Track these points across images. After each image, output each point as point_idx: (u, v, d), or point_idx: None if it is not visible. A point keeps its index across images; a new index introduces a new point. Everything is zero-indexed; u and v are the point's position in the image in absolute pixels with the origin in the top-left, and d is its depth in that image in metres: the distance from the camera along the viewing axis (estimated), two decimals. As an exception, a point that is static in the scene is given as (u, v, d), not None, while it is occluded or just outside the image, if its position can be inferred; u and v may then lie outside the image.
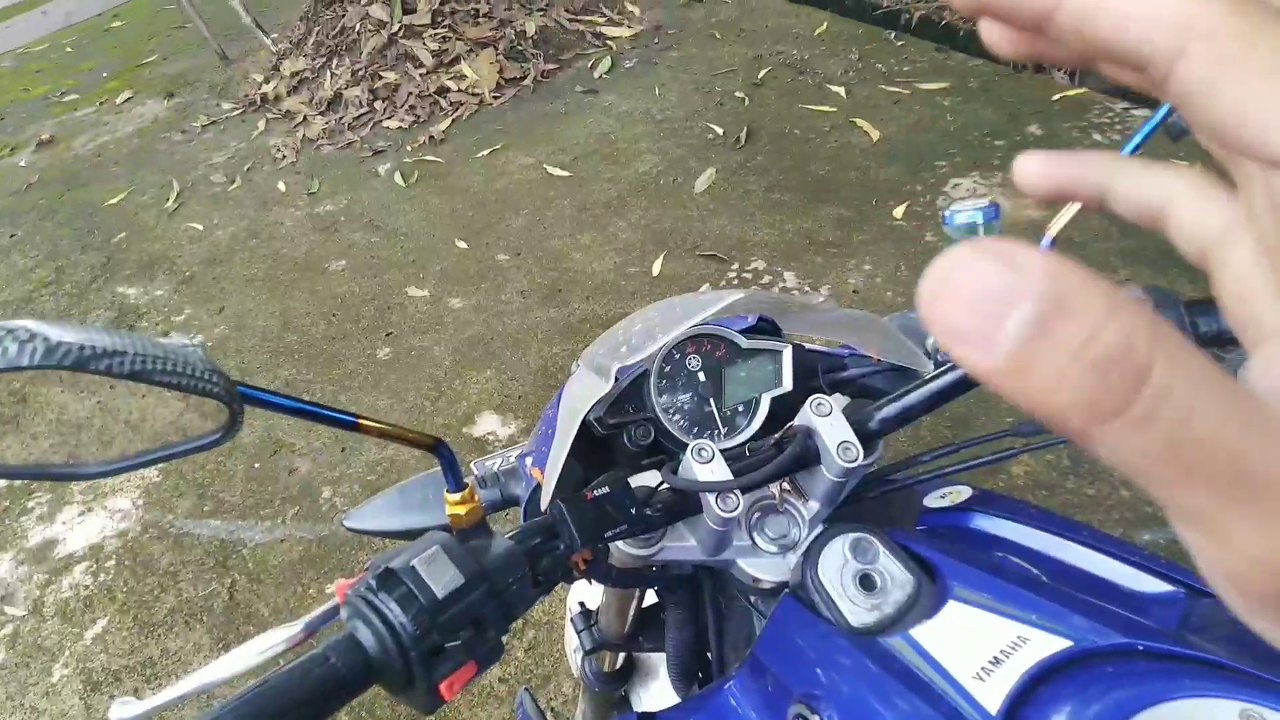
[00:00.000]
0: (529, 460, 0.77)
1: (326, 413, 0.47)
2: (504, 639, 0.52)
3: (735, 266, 2.87)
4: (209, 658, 2.07)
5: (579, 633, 0.97)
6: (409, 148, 4.08)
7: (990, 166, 3.06)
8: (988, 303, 0.15)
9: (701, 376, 0.72)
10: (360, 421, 0.48)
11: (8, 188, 4.63)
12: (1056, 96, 3.35)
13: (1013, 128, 3.23)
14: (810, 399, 0.62)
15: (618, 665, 1.07)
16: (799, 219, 3.02)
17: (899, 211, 2.94)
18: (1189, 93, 0.18)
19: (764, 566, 0.66)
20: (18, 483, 2.72)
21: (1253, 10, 0.17)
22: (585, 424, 0.68)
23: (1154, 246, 2.55)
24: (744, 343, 0.73)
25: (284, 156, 4.24)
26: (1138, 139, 0.66)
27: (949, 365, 0.63)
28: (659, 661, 1.08)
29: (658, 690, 1.06)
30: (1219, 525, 0.16)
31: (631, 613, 0.90)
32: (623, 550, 0.64)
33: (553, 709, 1.83)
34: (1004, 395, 0.15)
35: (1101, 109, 3.23)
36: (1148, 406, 0.15)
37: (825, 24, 4.24)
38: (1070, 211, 0.66)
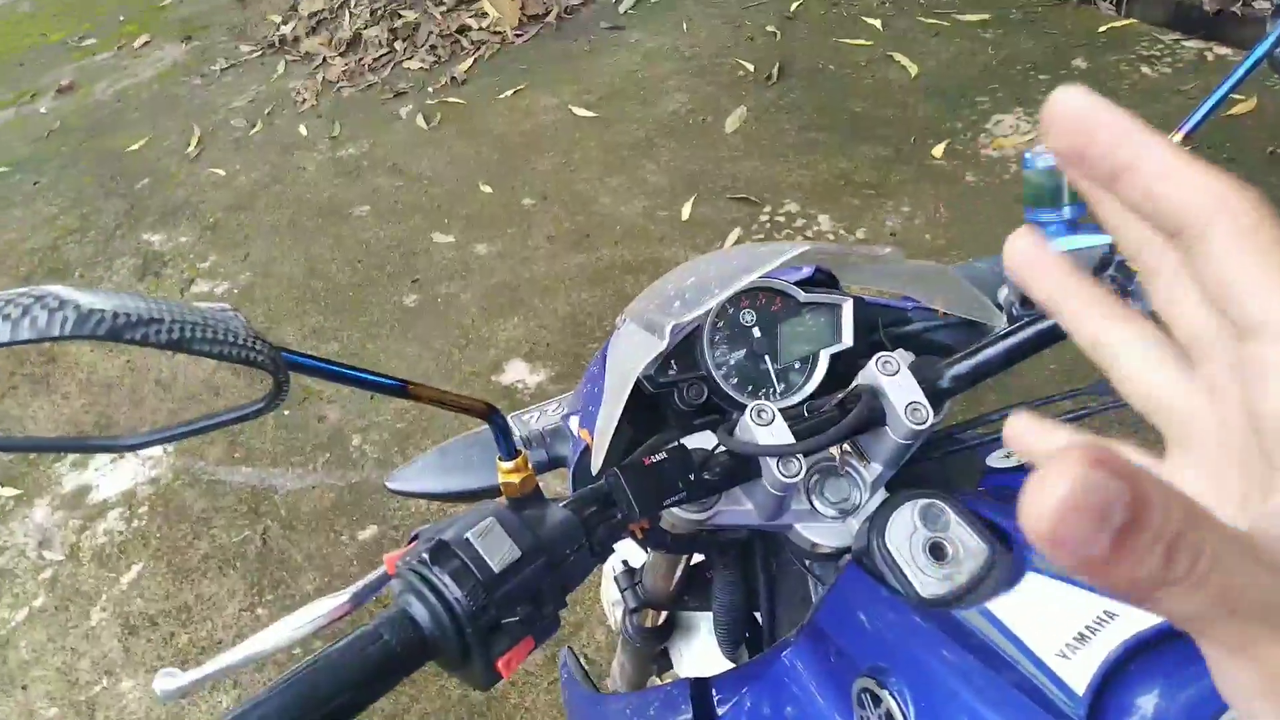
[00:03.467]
0: (575, 420, 0.74)
1: (375, 379, 0.44)
2: (560, 612, 0.50)
3: (767, 210, 2.80)
4: (243, 604, 2.11)
5: (622, 590, 0.95)
6: (431, 89, 4.00)
7: (1034, 102, 2.94)
8: (1090, 510, 0.17)
9: (757, 332, 0.68)
10: (410, 387, 0.45)
11: (30, 135, 4.60)
12: (1103, 28, 3.20)
13: (1057, 61, 3.10)
14: (876, 356, 0.58)
15: (659, 621, 1.05)
16: (834, 159, 2.94)
17: (938, 150, 2.84)
18: (1207, 258, 0.22)
19: (823, 531, 0.63)
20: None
21: (1267, 204, 0.21)
22: (634, 383, 0.65)
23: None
24: (802, 296, 0.69)
25: (304, 100, 4.18)
26: (1242, 70, 0.60)
27: (1025, 319, 0.59)
28: (700, 618, 1.06)
29: (700, 647, 1.05)
30: (1258, 651, 0.19)
31: (679, 572, 0.88)
32: (677, 515, 0.61)
33: (586, 656, 1.84)
34: (1091, 580, 0.18)
35: (1150, 41, 3.09)
36: (1202, 573, 0.18)
37: (859, -46, 4.08)
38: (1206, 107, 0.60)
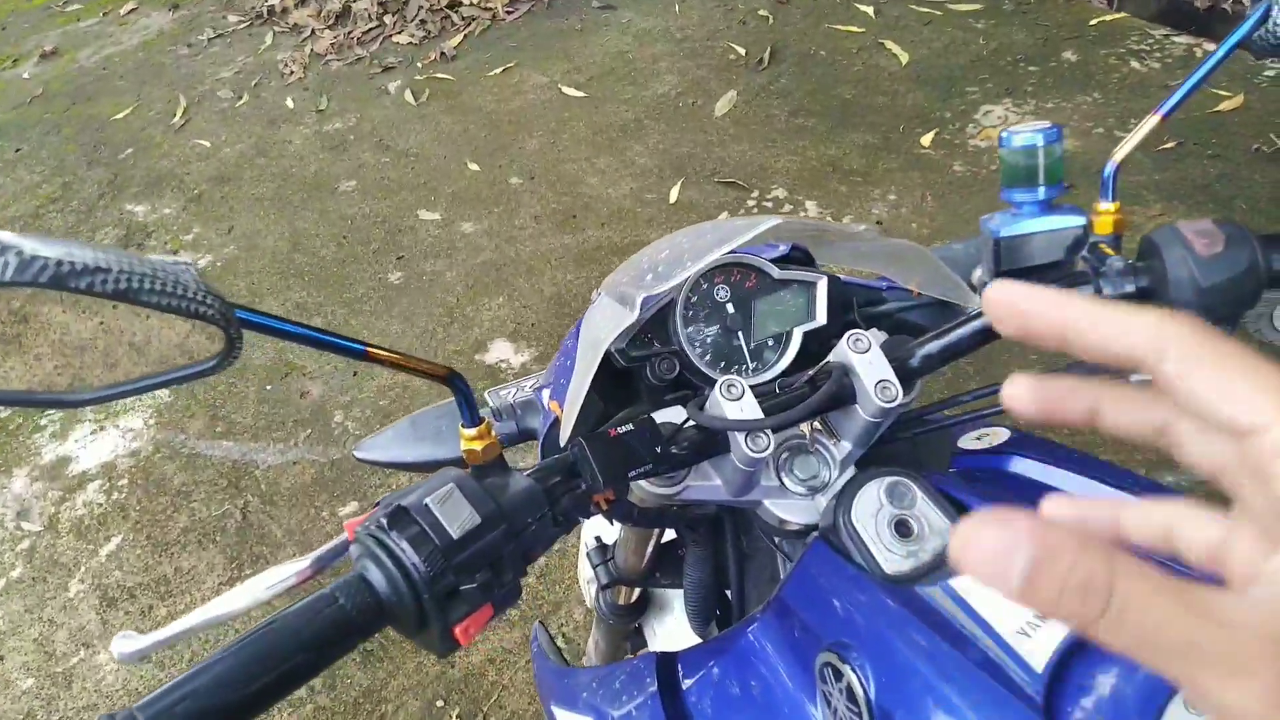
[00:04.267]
0: (546, 393, 0.73)
1: (334, 340, 0.43)
2: (522, 580, 0.49)
3: (755, 195, 2.80)
4: (222, 578, 2.10)
5: (595, 567, 0.95)
6: (420, 64, 3.96)
7: (1023, 93, 2.94)
8: (1002, 554, 0.22)
9: (730, 308, 0.68)
10: (370, 350, 0.44)
11: (11, 100, 4.54)
12: (1094, 21, 3.20)
13: (1048, 53, 3.10)
14: (847, 334, 0.58)
15: (633, 599, 1.06)
16: (823, 145, 2.93)
17: (927, 139, 2.84)
18: (1172, 385, 0.25)
19: (791, 508, 0.63)
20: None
21: (1205, 330, 0.25)
22: (606, 356, 0.64)
23: (1189, 181, 2.47)
24: (776, 273, 0.68)
25: (292, 72, 4.13)
26: (1221, 53, 0.60)
27: None
28: (674, 595, 1.07)
29: (673, 625, 1.05)
30: (1198, 689, 0.22)
31: (650, 549, 0.88)
32: (645, 489, 0.61)
33: (564, 635, 1.85)
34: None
35: (1141, 35, 3.09)
36: (1116, 614, 0.22)
37: (854, -61, 4.06)
38: (1136, 137, 0.61)
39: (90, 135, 4.06)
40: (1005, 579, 0.22)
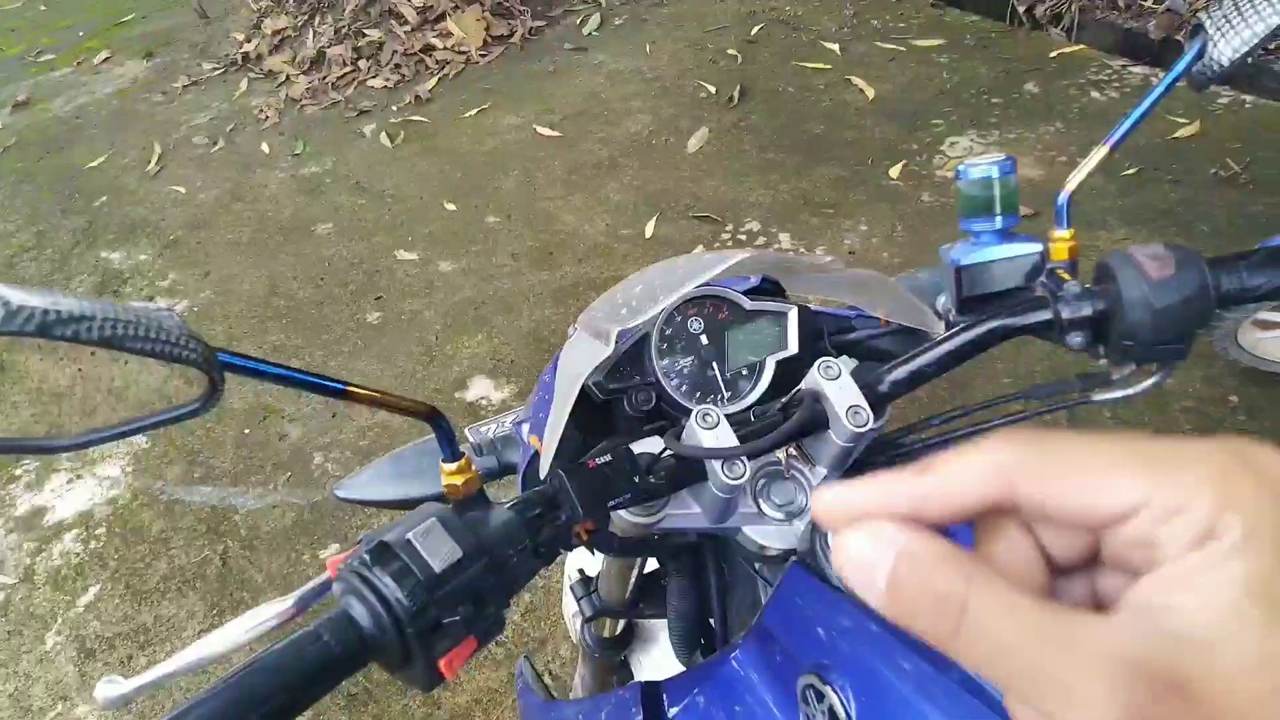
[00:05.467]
0: (526, 427, 0.74)
1: (314, 380, 0.44)
2: (504, 613, 0.50)
3: (729, 228, 2.83)
4: (203, 624, 2.07)
5: (578, 599, 0.95)
6: (395, 108, 4.00)
7: (987, 125, 3.02)
8: (867, 561, 0.23)
9: (704, 339, 0.70)
10: (350, 389, 0.45)
11: (-16, 151, 4.53)
12: (1054, 54, 3.29)
13: (1010, 85, 3.18)
14: (818, 362, 0.59)
15: (618, 631, 1.05)
16: (794, 179, 2.98)
17: (895, 171, 2.90)
18: (1030, 509, 0.24)
19: (770, 534, 0.64)
20: (4, 451, 2.69)
21: (1041, 441, 0.24)
22: (584, 390, 0.66)
23: (1150, 206, 2.53)
24: (748, 304, 0.70)
25: (267, 117, 4.16)
26: (1161, 87, 0.63)
27: (961, 326, 0.61)
28: (659, 627, 1.07)
29: (659, 656, 1.05)
30: (1041, 714, 0.22)
31: (632, 579, 0.88)
32: (624, 518, 0.61)
33: (550, 672, 1.83)
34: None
35: (1099, 66, 3.18)
36: (970, 630, 0.22)
37: (819, -21, 4.16)
38: (1086, 168, 0.63)
39: (64, 184, 4.05)
40: (871, 589, 0.23)
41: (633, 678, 1.14)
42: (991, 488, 0.24)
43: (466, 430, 0.85)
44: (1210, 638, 0.20)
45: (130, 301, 0.37)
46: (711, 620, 0.86)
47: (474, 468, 0.53)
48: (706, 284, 0.65)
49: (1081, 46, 3.30)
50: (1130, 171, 2.64)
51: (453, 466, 0.52)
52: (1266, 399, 1.99)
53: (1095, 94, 3.05)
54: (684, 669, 0.92)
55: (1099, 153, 0.62)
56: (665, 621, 0.95)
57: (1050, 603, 0.22)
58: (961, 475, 0.25)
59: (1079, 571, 0.27)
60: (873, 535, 0.23)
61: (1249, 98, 2.85)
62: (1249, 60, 0.59)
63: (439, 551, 0.46)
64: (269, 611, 0.54)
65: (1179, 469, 0.22)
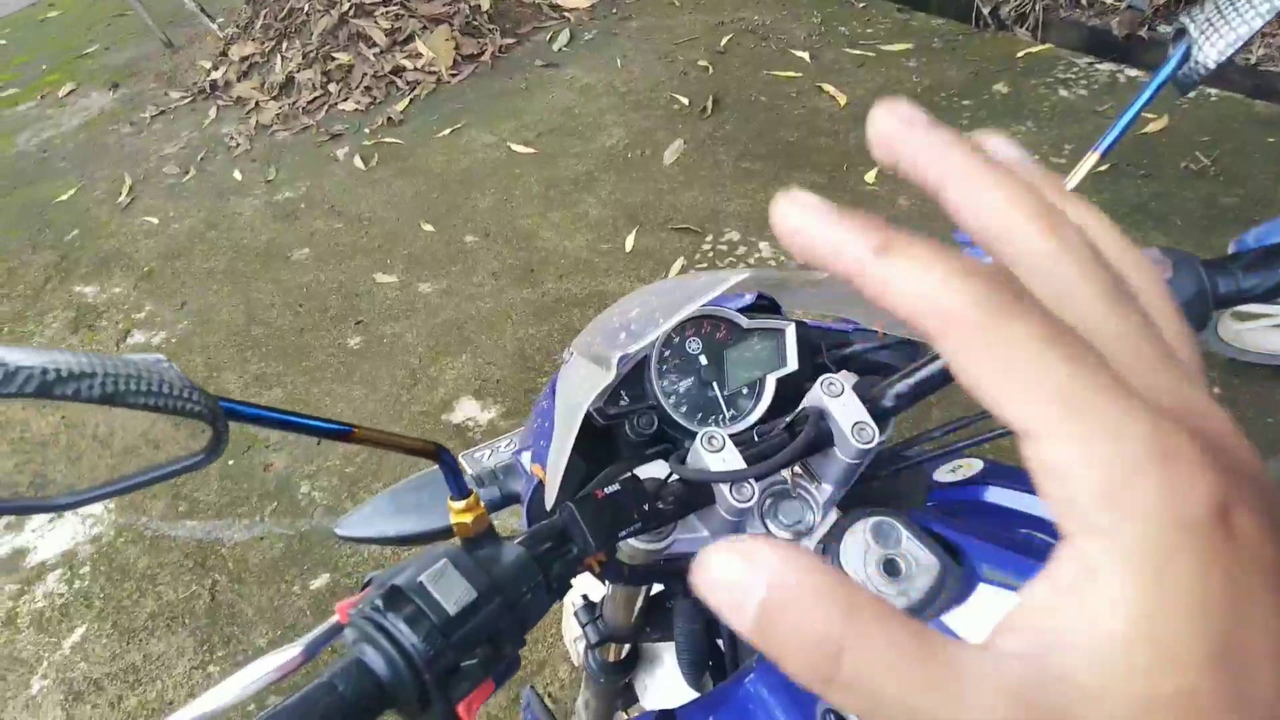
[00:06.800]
0: (527, 456, 0.73)
1: (318, 424, 0.43)
2: (519, 652, 0.49)
3: (709, 239, 2.84)
4: (193, 661, 2.03)
5: (583, 626, 0.94)
6: (367, 130, 3.98)
7: (959, 127, 3.03)
8: (736, 588, 0.20)
9: (703, 360, 0.69)
10: (356, 431, 0.44)
11: (-50, 188, 4.46)
12: (1021, 53, 3.33)
13: (979, 86, 3.22)
14: (821, 379, 0.59)
15: (622, 655, 1.04)
16: (771, 187, 2.99)
17: (870, 176, 2.92)
18: (951, 365, 0.20)
19: None
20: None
21: (993, 300, 0.19)
22: (585, 416, 0.65)
23: (1124, 201, 2.56)
24: (745, 322, 0.70)
25: (238, 144, 4.12)
26: (1149, 92, 0.63)
27: None
28: (663, 649, 1.06)
29: (663, 678, 1.04)
30: None
31: (639, 603, 0.88)
32: (633, 546, 0.61)
33: (550, 695, 1.81)
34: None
35: (1067, 64, 3.22)
36: (846, 677, 0.19)
37: (786, -12, 4.20)
38: (1078, 175, 0.64)
39: (33, 219, 4.00)
40: (738, 617, 0.20)
41: (637, 701, 1.13)
42: (930, 322, 0.20)
43: (461, 458, 0.84)
44: (1099, 685, 0.19)
45: (129, 355, 0.36)
46: (719, 641, 0.85)
47: (482, 505, 0.52)
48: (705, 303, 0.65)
49: (1048, 45, 3.34)
50: (1102, 168, 2.67)
51: (461, 504, 0.51)
52: (1249, 391, 2.01)
53: (1064, 92, 3.09)
54: (690, 692, 0.91)
55: (1090, 160, 0.62)
56: (669, 644, 0.94)
57: (931, 634, 0.20)
58: (920, 279, 0.21)
59: None
60: (744, 556, 0.20)
61: (1214, 91, 2.90)
62: (1233, 61, 0.60)
63: (452, 594, 0.45)
64: (276, 660, 0.52)
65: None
